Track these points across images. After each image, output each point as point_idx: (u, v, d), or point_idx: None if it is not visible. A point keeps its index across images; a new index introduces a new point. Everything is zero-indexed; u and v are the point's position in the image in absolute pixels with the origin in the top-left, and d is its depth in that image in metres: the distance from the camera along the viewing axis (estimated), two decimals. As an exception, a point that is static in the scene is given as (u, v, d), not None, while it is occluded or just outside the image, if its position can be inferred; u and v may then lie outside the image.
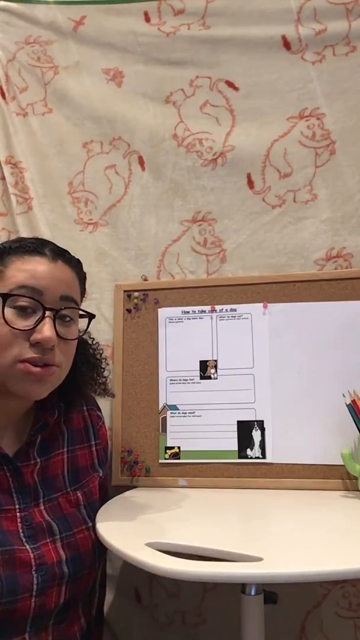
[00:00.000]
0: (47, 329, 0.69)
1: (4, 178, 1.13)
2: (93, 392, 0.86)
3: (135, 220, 1.09)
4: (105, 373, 0.87)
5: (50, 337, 0.69)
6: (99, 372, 0.86)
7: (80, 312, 0.77)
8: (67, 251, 0.78)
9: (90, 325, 0.80)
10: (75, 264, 0.77)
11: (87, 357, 0.85)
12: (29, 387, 0.71)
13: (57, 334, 0.71)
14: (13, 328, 0.69)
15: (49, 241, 0.78)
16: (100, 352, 0.88)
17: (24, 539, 0.71)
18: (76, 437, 0.85)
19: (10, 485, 0.73)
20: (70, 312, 0.74)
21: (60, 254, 0.75)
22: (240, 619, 0.68)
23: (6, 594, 0.66)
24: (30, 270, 0.71)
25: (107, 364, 0.88)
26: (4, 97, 1.13)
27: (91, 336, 0.87)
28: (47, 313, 0.70)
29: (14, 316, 0.69)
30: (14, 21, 1.14)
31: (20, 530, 0.71)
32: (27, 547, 0.70)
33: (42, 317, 0.70)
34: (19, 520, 0.72)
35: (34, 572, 0.69)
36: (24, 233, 1.10)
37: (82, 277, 0.80)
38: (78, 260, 0.79)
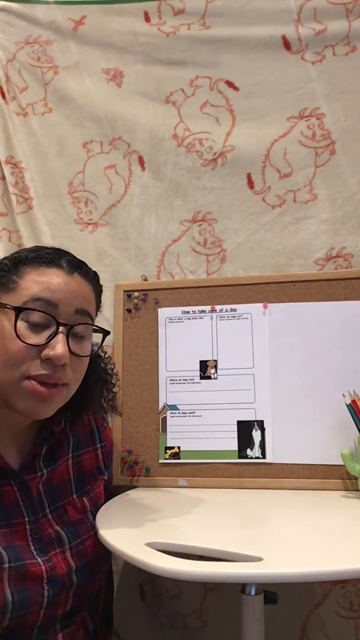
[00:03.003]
0: (59, 346, 0.67)
1: (4, 178, 1.13)
2: (100, 408, 0.84)
3: (135, 220, 1.09)
4: (115, 389, 0.85)
5: (62, 355, 0.67)
6: (108, 389, 0.84)
7: (94, 327, 0.75)
8: (85, 263, 0.76)
9: (104, 340, 0.77)
10: (92, 278, 0.75)
11: (97, 372, 0.83)
12: (34, 407, 0.69)
13: (70, 350, 0.69)
14: (25, 343, 0.67)
15: (66, 252, 0.76)
16: (112, 367, 0.86)
17: (35, 552, 0.70)
18: (81, 441, 0.85)
19: (19, 499, 0.72)
20: (84, 328, 0.72)
21: (77, 267, 0.73)
22: (240, 619, 0.68)
23: (17, 608, 0.65)
24: (45, 282, 0.69)
25: (118, 379, 0.87)
26: (4, 97, 1.13)
27: (103, 350, 0.85)
28: (61, 329, 0.68)
29: (26, 330, 0.67)
30: (14, 21, 1.14)
31: (31, 544, 0.70)
32: (39, 559, 0.70)
33: (55, 333, 0.68)
34: (28, 533, 0.71)
35: (45, 585, 0.69)
36: (25, 233, 1.10)
37: (98, 291, 0.78)
38: (95, 273, 0.77)
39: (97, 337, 0.77)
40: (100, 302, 0.80)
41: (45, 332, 0.68)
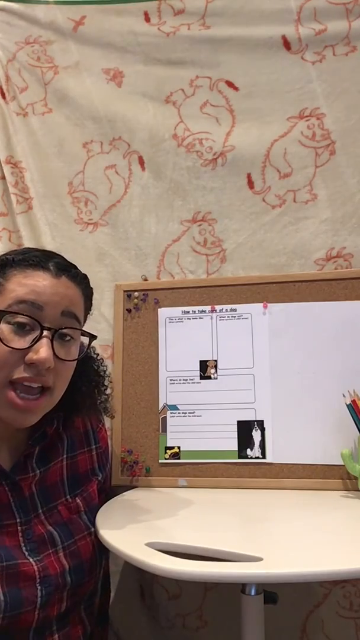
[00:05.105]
0: (43, 350, 0.66)
1: (4, 178, 1.13)
2: (92, 410, 0.84)
3: (135, 220, 1.09)
4: (108, 391, 0.85)
5: (45, 359, 0.66)
6: (100, 390, 0.84)
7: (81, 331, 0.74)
8: (74, 266, 0.75)
9: (91, 344, 0.76)
10: (80, 280, 0.74)
11: (88, 373, 0.82)
12: (16, 417, 0.68)
13: (55, 354, 0.68)
14: (8, 347, 0.66)
15: (55, 254, 0.75)
16: (104, 368, 0.85)
17: (26, 553, 0.70)
18: (76, 442, 0.84)
19: (10, 500, 0.72)
20: (70, 331, 0.71)
21: (64, 270, 0.72)
22: (240, 619, 0.68)
23: (10, 608, 0.65)
24: (31, 285, 0.68)
25: (110, 381, 0.86)
26: (4, 97, 1.13)
27: (95, 352, 0.85)
28: (45, 332, 0.67)
29: (10, 334, 0.67)
30: (14, 21, 1.14)
31: (22, 544, 0.70)
32: (31, 560, 0.69)
33: (40, 337, 0.67)
34: (20, 534, 0.71)
35: (38, 585, 0.68)
36: (25, 233, 1.10)
37: (87, 294, 0.77)
38: (84, 276, 0.76)
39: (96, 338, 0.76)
40: (90, 305, 0.79)
41: (30, 336, 0.67)
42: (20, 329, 0.67)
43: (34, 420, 0.71)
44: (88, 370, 0.82)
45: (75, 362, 0.74)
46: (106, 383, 0.85)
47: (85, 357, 0.80)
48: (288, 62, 1.05)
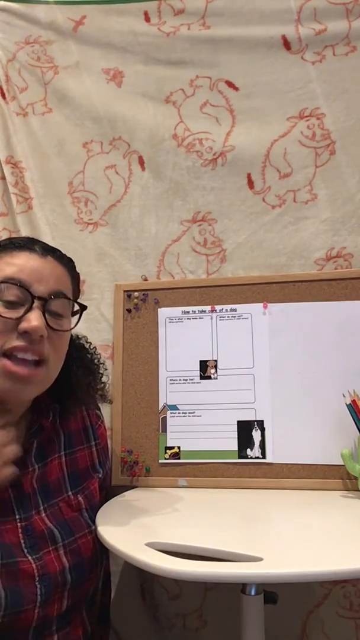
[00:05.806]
0: (34, 317, 0.67)
1: (4, 178, 1.13)
2: (90, 398, 0.84)
3: (135, 220, 1.09)
4: (104, 379, 0.86)
5: (37, 326, 0.67)
6: (97, 378, 0.84)
7: (73, 310, 0.76)
8: (59, 250, 0.77)
9: (82, 319, 0.78)
10: (66, 262, 0.76)
11: (84, 362, 0.83)
12: (12, 387, 0.69)
13: (48, 325, 0.69)
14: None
15: (39, 240, 0.78)
16: (98, 357, 0.86)
17: (25, 550, 0.70)
18: (75, 438, 0.84)
19: (10, 496, 0.72)
20: (61, 308, 0.72)
21: (50, 250, 0.74)
22: (240, 619, 0.68)
23: (10, 606, 0.65)
24: (19, 264, 0.70)
25: (106, 369, 0.87)
26: (4, 97, 1.13)
27: (88, 341, 0.86)
28: (36, 303, 0.69)
29: (1, 308, 0.68)
30: (14, 21, 1.14)
31: (22, 541, 0.70)
32: (30, 558, 0.69)
33: (30, 307, 0.68)
34: (20, 530, 0.71)
35: (37, 583, 0.68)
36: (25, 232, 1.10)
37: (74, 276, 0.78)
38: (70, 259, 0.78)
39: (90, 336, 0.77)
40: (78, 289, 0.80)
41: (21, 309, 0.68)
42: (12, 304, 0.68)
43: (31, 392, 0.71)
44: (83, 357, 0.83)
45: (69, 335, 0.75)
46: (101, 371, 0.86)
47: (79, 344, 0.81)
48: (288, 62, 1.05)
